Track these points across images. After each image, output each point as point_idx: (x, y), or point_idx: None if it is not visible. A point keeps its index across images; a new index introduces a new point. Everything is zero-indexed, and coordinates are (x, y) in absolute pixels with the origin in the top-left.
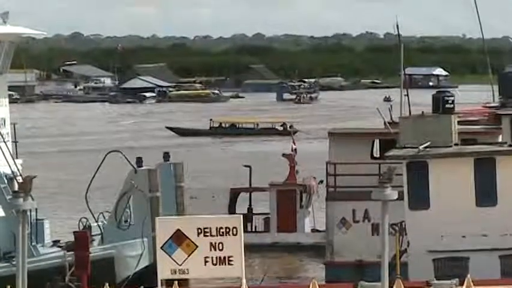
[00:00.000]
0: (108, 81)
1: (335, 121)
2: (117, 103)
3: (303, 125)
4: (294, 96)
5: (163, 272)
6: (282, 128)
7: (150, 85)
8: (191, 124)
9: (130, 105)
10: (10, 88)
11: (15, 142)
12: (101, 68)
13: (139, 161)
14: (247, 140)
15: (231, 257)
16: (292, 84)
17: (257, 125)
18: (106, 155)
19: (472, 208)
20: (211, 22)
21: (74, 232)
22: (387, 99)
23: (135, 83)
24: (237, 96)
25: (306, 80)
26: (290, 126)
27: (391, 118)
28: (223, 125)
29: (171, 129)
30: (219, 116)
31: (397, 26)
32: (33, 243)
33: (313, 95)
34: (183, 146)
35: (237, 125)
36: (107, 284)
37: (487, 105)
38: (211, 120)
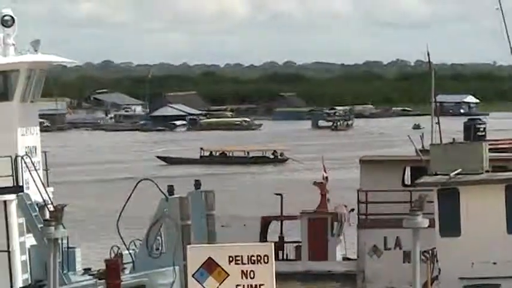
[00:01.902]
0: (138, 109)
1: (371, 148)
2: (147, 131)
3: (340, 152)
4: (329, 123)
5: None
6: (273, 156)
7: (181, 113)
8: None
9: (161, 134)
10: (41, 116)
11: (46, 170)
12: (132, 96)
13: (170, 189)
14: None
15: (263, 285)
16: (327, 111)
17: (248, 153)
18: (137, 183)
19: (503, 235)
20: (242, 50)
21: (106, 260)
22: (417, 127)
23: (165, 111)
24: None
25: (337, 107)
26: (281, 154)
27: (423, 145)
28: (213, 153)
29: (161, 158)
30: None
31: (428, 53)
32: (64, 271)
33: (349, 122)
34: (216, 175)
35: (228, 154)
36: None
37: None
38: (201, 149)
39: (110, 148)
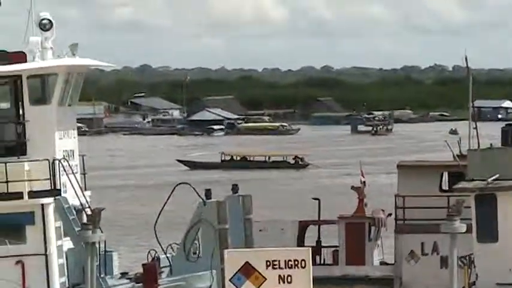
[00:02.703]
0: (176, 114)
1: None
2: (185, 135)
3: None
4: (369, 128)
5: None
6: (294, 161)
7: (218, 117)
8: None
9: (199, 138)
10: (79, 120)
11: (83, 174)
12: (169, 101)
13: (208, 193)
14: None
15: None
16: (367, 116)
17: (268, 158)
18: (175, 187)
19: None
20: (280, 54)
21: (143, 264)
22: (453, 132)
23: (203, 115)
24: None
25: (375, 112)
26: (301, 159)
27: (460, 151)
28: (234, 157)
29: (181, 162)
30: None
31: (466, 58)
32: (101, 275)
33: (388, 127)
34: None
35: (248, 158)
36: None
37: None
38: (222, 153)
39: (147, 152)
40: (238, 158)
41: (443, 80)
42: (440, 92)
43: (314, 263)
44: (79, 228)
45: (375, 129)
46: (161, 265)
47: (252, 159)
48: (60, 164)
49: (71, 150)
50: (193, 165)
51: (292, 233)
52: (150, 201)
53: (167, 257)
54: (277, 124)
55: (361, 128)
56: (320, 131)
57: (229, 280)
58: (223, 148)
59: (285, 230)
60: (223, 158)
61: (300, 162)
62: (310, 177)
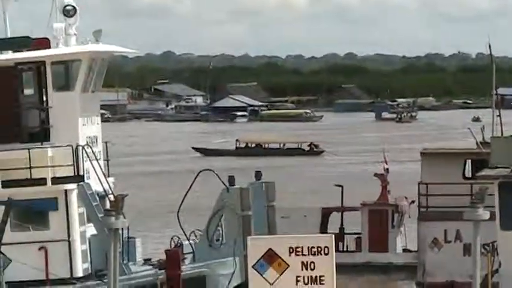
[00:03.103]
0: (199, 100)
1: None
2: (208, 122)
3: (405, 144)
4: (393, 115)
5: None
6: (308, 148)
7: (242, 104)
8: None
9: (222, 125)
10: (102, 107)
11: (107, 160)
12: (193, 87)
13: (231, 179)
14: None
15: (323, 276)
16: (391, 103)
17: (283, 145)
18: (198, 174)
19: None
20: (303, 41)
21: (166, 250)
22: (476, 119)
23: (226, 102)
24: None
25: (399, 99)
26: (316, 146)
27: (483, 138)
28: (249, 144)
29: (196, 149)
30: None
31: (489, 46)
32: (124, 261)
33: (413, 114)
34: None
35: (263, 145)
36: None
37: None
38: (237, 140)
39: (165, 139)
40: (253, 145)
41: (466, 67)
42: (464, 80)
43: (337, 250)
44: (102, 215)
45: (399, 116)
46: (184, 252)
47: (266, 146)
48: (84, 150)
49: (94, 137)
50: (207, 152)
51: (316, 219)
52: (167, 187)
53: (190, 243)
54: (300, 111)
55: (385, 115)
56: (343, 118)
57: (252, 267)
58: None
59: (308, 216)
60: (238, 145)
61: (315, 149)
62: (332, 165)
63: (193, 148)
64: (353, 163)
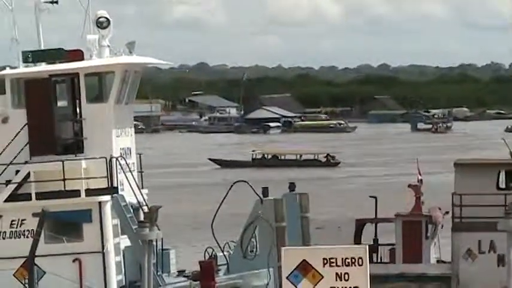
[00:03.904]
0: (233, 112)
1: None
2: (241, 133)
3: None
4: (428, 126)
5: None
6: (325, 160)
7: (275, 115)
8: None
9: (255, 136)
10: (136, 118)
11: (141, 172)
12: (226, 98)
13: (265, 191)
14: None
15: (357, 287)
16: (426, 114)
17: (300, 156)
18: (232, 185)
19: None
20: (337, 52)
21: (200, 262)
22: (510, 130)
23: (260, 113)
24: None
25: (433, 110)
26: (333, 158)
27: None
28: (265, 156)
29: (213, 160)
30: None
31: None
32: (158, 273)
33: (448, 124)
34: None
35: (280, 157)
36: None
37: None
38: (253, 151)
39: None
40: (270, 157)
41: (499, 78)
42: (497, 90)
43: (371, 261)
44: (136, 226)
45: (435, 127)
46: (218, 263)
47: (283, 157)
48: (117, 162)
49: (128, 148)
50: (224, 164)
51: (350, 231)
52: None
53: (224, 255)
54: (333, 122)
55: (420, 125)
56: (377, 129)
57: (287, 278)
58: (280, 146)
59: (342, 227)
60: (254, 157)
61: (332, 161)
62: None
63: (209, 159)
64: (389, 174)
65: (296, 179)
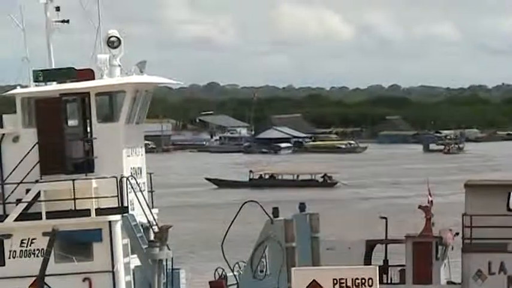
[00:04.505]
0: (243, 132)
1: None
2: (251, 153)
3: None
4: (440, 147)
5: None
6: (322, 180)
7: (286, 136)
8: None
9: (266, 156)
10: (146, 138)
11: (151, 192)
12: (237, 118)
13: (275, 211)
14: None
15: None
16: (438, 135)
17: (297, 176)
18: (242, 205)
19: None
20: (347, 73)
21: (210, 282)
22: None
23: (270, 133)
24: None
25: (444, 131)
26: (330, 178)
27: None
28: (263, 175)
29: (210, 180)
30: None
31: None
32: None
33: (460, 145)
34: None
35: (277, 177)
36: None
37: None
38: (250, 171)
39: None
40: (267, 177)
41: (510, 99)
42: (508, 111)
43: (381, 282)
44: (146, 246)
45: (447, 148)
46: (228, 283)
47: (280, 177)
48: (128, 182)
49: (138, 168)
50: (221, 184)
51: (360, 251)
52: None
53: (234, 275)
54: (344, 142)
55: (433, 146)
56: (389, 150)
57: None
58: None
59: (352, 248)
60: (251, 177)
61: (329, 181)
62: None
63: (206, 179)
64: (400, 196)
65: (293, 200)
